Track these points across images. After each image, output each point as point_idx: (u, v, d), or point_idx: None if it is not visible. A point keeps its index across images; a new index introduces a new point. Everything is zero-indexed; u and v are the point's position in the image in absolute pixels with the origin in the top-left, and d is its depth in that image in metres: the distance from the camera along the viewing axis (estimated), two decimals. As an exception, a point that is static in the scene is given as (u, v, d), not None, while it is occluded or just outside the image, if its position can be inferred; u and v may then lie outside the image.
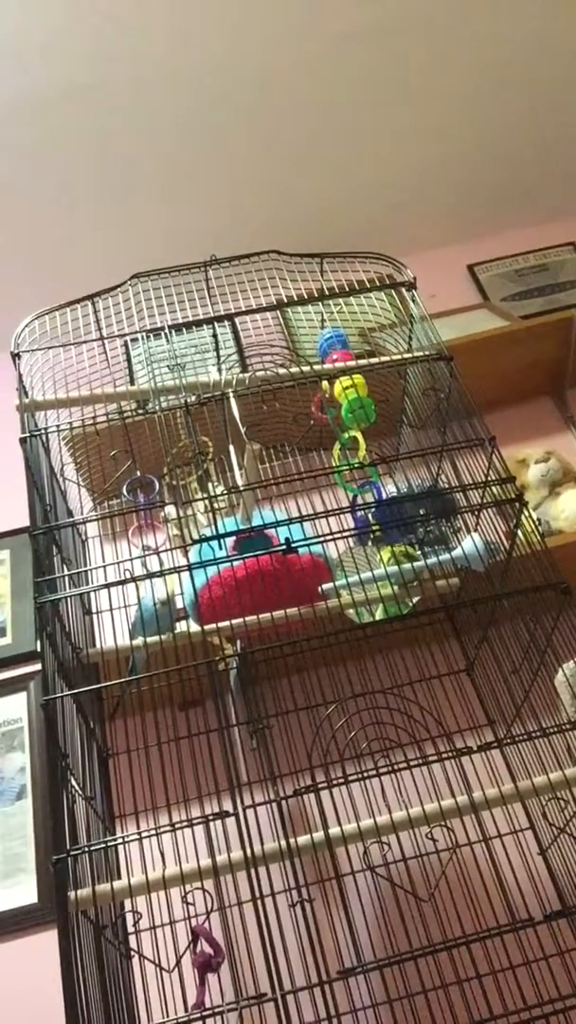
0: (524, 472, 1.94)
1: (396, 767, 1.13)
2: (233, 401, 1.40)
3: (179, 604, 1.40)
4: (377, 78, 2.22)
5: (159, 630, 1.32)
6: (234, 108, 2.20)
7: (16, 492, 1.50)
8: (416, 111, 2.33)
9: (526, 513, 1.22)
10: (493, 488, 1.26)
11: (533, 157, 2.55)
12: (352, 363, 1.48)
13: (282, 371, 1.46)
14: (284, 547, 1.24)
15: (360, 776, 1.12)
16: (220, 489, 1.50)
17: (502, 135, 2.46)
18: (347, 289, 1.56)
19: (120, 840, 1.10)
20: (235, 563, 1.30)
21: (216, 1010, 1.01)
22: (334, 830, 1.08)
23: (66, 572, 1.32)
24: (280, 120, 2.25)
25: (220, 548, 1.30)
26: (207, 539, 1.28)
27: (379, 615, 1.37)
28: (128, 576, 1.24)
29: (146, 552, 1.35)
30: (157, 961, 1.05)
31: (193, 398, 1.39)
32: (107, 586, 1.23)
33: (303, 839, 1.08)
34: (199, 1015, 1.02)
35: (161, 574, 1.26)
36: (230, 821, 1.07)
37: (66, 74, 2.02)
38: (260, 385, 1.43)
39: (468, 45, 2.21)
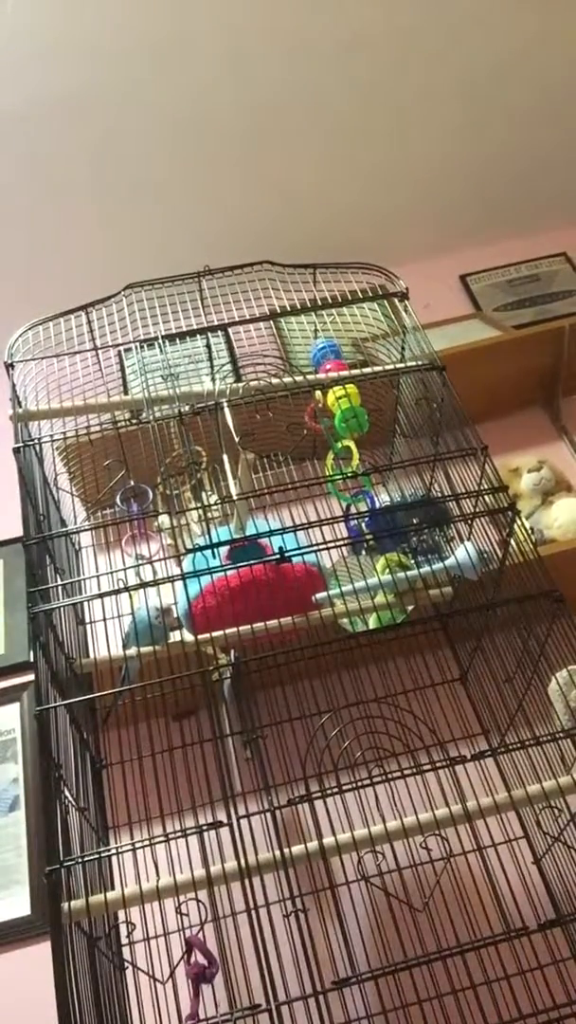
0: (517, 481, 1.95)
1: (390, 776, 1.13)
2: (227, 411, 1.40)
3: (173, 614, 1.40)
4: (371, 91, 2.24)
5: (153, 640, 1.32)
6: (230, 119, 2.21)
7: (9, 502, 1.50)
8: (408, 123, 2.35)
9: (519, 522, 1.23)
10: (486, 497, 1.27)
11: (525, 168, 2.56)
12: (345, 373, 1.49)
13: (275, 381, 1.46)
14: (278, 556, 1.24)
15: (354, 785, 1.12)
16: (214, 498, 1.50)
17: (494, 146, 2.47)
18: (340, 299, 1.57)
19: (114, 851, 1.10)
20: (229, 572, 1.30)
21: (210, 1021, 1.01)
22: (328, 840, 1.08)
23: (59, 582, 1.32)
24: (274, 132, 2.27)
25: (214, 557, 1.30)
26: (201, 548, 1.28)
27: (373, 624, 1.37)
28: (121, 586, 1.24)
29: (140, 562, 1.35)
30: (151, 972, 1.04)
31: (187, 408, 1.39)
32: (100, 596, 1.23)
33: (297, 849, 1.07)
34: (193, 1026, 1.01)
35: (155, 583, 1.26)
36: (224, 831, 1.06)
37: (61, 84, 2.02)
38: (254, 395, 1.44)
39: (460, 58, 2.23)
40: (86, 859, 1.07)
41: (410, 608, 1.36)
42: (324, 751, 1.17)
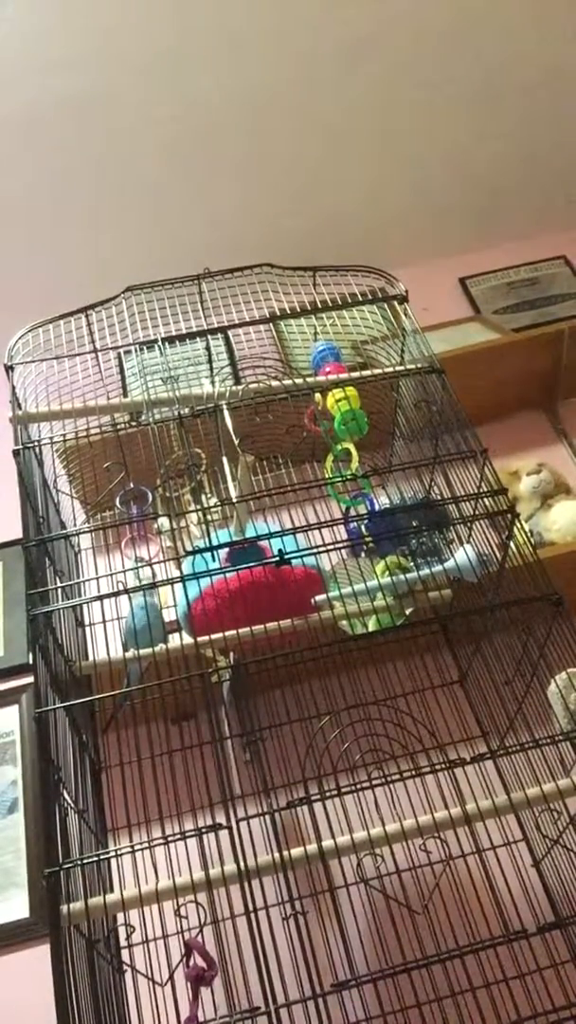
0: (516, 484, 1.95)
1: (389, 779, 1.13)
2: (226, 413, 1.40)
3: (172, 616, 1.40)
4: (371, 95, 2.24)
5: (151, 640, 1.32)
6: (230, 123, 2.21)
7: (9, 504, 1.50)
8: (409, 127, 2.35)
9: (518, 525, 1.23)
10: (485, 500, 1.27)
11: (524, 171, 2.56)
12: (345, 375, 1.49)
13: (275, 383, 1.46)
14: (277, 559, 1.24)
15: (353, 788, 1.12)
16: (213, 501, 1.50)
17: (494, 150, 2.48)
18: (340, 302, 1.57)
19: (113, 853, 1.10)
20: (228, 575, 1.30)
21: (209, 1024, 1.01)
22: (327, 842, 1.08)
23: (59, 584, 1.32)
24: (275, 135, 2.27)
25: (213, 560, 1.30)
26: (200, 551, 1.28)
27: (372, 626, 1.37)
28: (121, 588, 1.24)
29: (139, 564, 1.35)
30: (150, 975, 1.04)
31: (186, 410, 1.39)
32: (100, 598, 1.23)
33: (296, 852, 1.07)
34: (192, 1029, 1.01)
35: (154, 586, 1.26)
36: (223, 834, 1.06)
37: (62, 88, 2.03)
38: (253, 397, 1.44)
39: (459, 63, 2.24)
40: (85, 862, 1.07)
41: (409, 611, 1.36)
42: (323, 754, 1.17)
